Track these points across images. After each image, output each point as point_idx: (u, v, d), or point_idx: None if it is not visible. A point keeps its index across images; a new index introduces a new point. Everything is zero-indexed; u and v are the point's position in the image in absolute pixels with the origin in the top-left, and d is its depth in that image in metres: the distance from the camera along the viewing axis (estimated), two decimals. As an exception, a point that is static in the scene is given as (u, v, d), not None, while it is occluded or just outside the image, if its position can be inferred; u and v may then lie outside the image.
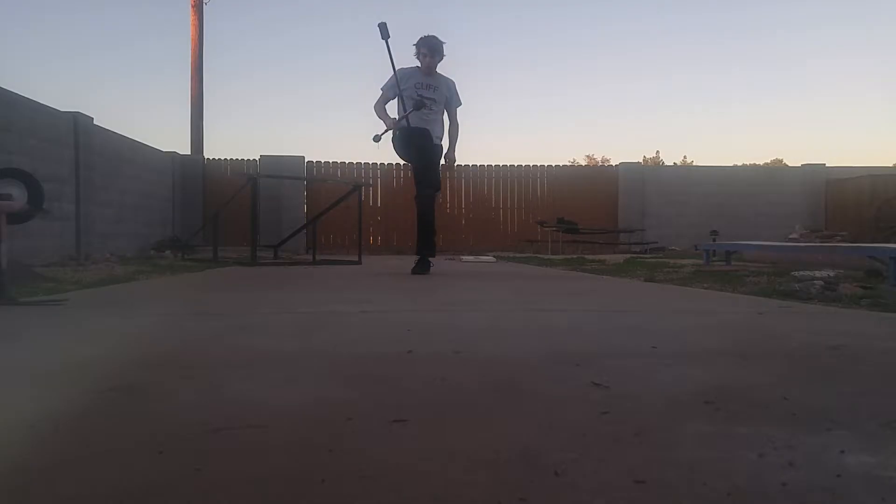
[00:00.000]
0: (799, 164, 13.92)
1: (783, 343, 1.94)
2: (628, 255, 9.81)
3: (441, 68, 5.40)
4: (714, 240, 10.16)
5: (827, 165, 13.38)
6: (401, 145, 5.34)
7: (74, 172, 8.14)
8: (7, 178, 3.65)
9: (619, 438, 0.98)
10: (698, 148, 65.19)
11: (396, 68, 5.27)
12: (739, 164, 21.07)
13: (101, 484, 0.81)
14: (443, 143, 5.52)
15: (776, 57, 58.20)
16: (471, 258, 9.22)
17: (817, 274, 4.38)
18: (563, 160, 32.29)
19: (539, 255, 10.28)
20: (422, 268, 5.37)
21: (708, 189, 13.10)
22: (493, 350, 1.80)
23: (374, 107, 5.41)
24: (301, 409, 1.17)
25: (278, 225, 11.41)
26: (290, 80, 61.75)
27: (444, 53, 5.31)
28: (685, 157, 41.09)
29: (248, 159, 12.73)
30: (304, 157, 12.82)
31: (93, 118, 8.64)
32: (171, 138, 63.04)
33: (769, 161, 30.34)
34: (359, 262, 7.33)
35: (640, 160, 21.81)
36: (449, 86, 5.41)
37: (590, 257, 9.19)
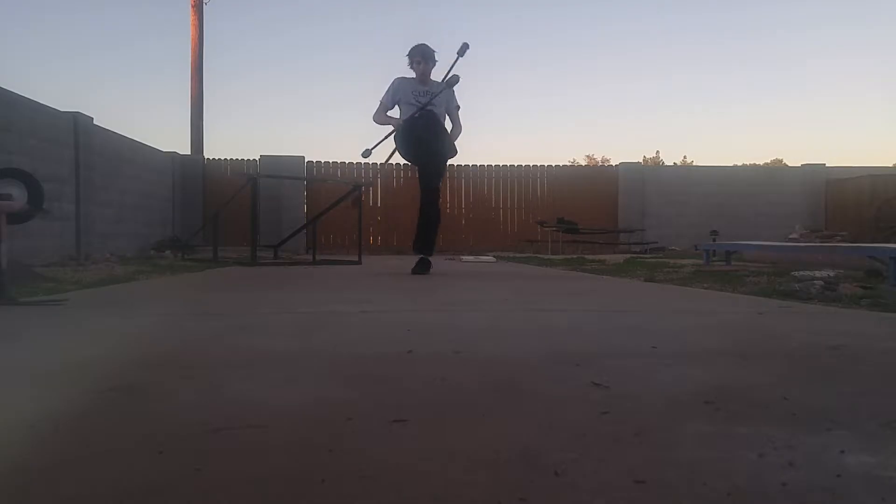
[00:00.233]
0: (799, 164, 13.93)
1: (783, 343, 1.94)
2: (628, 255, 9.81)
3: (439, 72, 5.42)
4: (714, 240, 10.16)
5: (827, 165, 13.39)
6: (402, 140, 5.35)
7: (74, 172, 8.15)
8: (7, 178, 3.65)
9: (619, 438, 0.98)
10: (698, 148, 65.24)
11: (393, 79, 5.38)
12: (739, 164, 21.08)
13: (101, 484, 0.81)
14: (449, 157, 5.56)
15: (776, 57, 58.24)
16: (471, 258, 9.22)
17: (817, 274, 4.38)
18: (563, 160, 32.30)
19: (539, 255, 10.28)
20: (422, 268, 5.38)
21: (708, 189, 13.11)
22: (493, 350, 1.80)
23: (374, 117, 5.46)
24: (301, 409, 1.17)
25: (278, 225, 11.42)
26: (290, 80, 61.78)
27: (437, 59, 5.36)
28: (685, 157, 41.14)
29: (248, 159, 12.73)
30: (304, 157, 12.82)
31: (93, 118, 8.65)
32: (171, 138, 63.15)
33: (769, 161, 30.35)
34: (359, 262, 7.33)
35: (640, 160, 21.82)
36: (446, 92, 5.41)
37: (590, 257, 9.19)
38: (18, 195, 3.49)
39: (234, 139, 54.49)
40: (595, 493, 0.78)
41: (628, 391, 1.30)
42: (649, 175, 13.62)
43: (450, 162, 5.93)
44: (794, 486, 0.80)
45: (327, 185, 11.64)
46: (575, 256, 9.49)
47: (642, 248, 11.54)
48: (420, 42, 5.36)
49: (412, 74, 5.41)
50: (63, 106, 8.66)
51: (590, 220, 12.36)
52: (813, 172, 13.30)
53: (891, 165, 16.96)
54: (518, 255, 10.68)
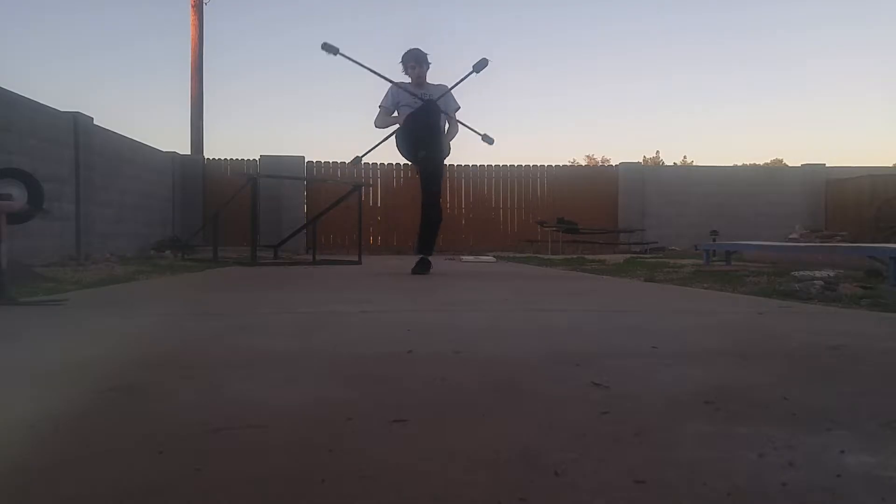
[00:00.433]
0: (799, 164, 13.93)
1: (783, 343, 1.94)
2: (628, 255, 9.81)
3: (439, 72, 5.43)
4: (714, 240, 10.16)
5: (827, 165, 13.39)
6: (402, 139, 5.36)
7: (74, 172, 8.15)
8: (7, 178, 3.65)
9: (619, 438, 0.98)
10: (698, 148, 65.21)
11: (390, 84, 5.38)
12: (739, 164, 21.08)
13: (101, 484, 0.81)
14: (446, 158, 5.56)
15: (776, 57, 58.21)
16: (471, 258, 9.22)
17: (817, 274, 4.38)
18: (563, 160, 32.27)
19: (539, 255, 10.28)
20: (422, 268, 5.38)
21: (708, 189, 13.11)
22: (493, 350, 1.80)
23: (376, 122, 5.47)
24: (301, 409, 1.17)
25: (278, 225, 11.42)
26: (290, 80, 61.76)
27: (430, 62, 5.38)
28: (685, 157, 41.12)
29: (248, 159, 12.73)
30: (304, 157, 12.82)
31: (93, 118, 8.65)
32: (171, 138, 63.07)
33: (769, 161, 30.34)
34: (359, 262, 7.33)
35: (640, 160, 21.81)
36: (441, 91, 5.41)
37: (590, 257, 9.19)
38: (18, 195, 3.49)
39: (234, 139, 54.50)
40: (595, 493, 0.78)
41: (628, 391, 1.30)
42: (649, 175, 13.62)
43: (449, 162, 5.94)
44: (794, 486, 0.80)
45: (327, 185, 11.64)
46: (575, 256, 9.49)
47: (642, 248, 11.54)
48: (412, 46, 5.38)
49: (408, 80, 5.42)
50: (63, 106, 8.67)
51: (590, 220, 12.36)
52: (813, 172, 13.30)
53: (891, 165, 16.97)
54: (518, 255, 10.68)
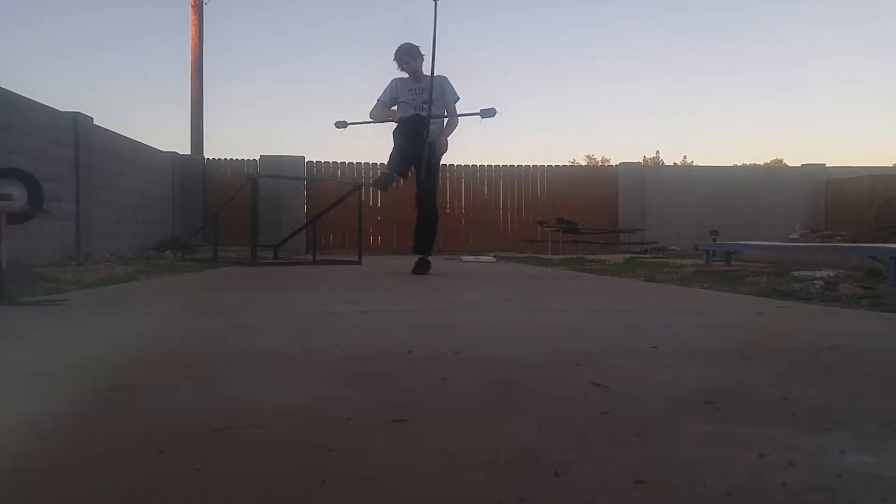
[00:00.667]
0: (799, 164, 13.93)
1: (783, 343, 1.94)
2: (628, 255, 9.81)
3: (440, 69, 5.42)
4: (714, 240, 10.16)
5: (827, 165, 13.39)
6: (400, 134, 5.36)
7: (74, 172, 8.15)
8: (7, 178, 3.65)
9: (619, 438, 0.98)
10: (698, 148, 65.16)
11: (390, 81, 5.43)
12: (739, 164, 21.08)
13: (101, 484, 0.81)
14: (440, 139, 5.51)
15: (776, 57, 58.17)
16: (471, 258, 9.22)
17: (817, 274, 4.38)
18: (563, 160, 32.25)
19: (539, 255, 10.28)
20: (422, 268, 5.38)
21: (708, 189, 13.11)
22: (493, 350, 1.80)
23: (371, 114, 5.48)
24: (301, 409, 1.17)
25: (278, 225, 11.41)
26: (290, 80, 61.68)
27: (423, 54, 5.36)
28: (685, 157, 41.10)
29: (248, 159, 12.74)
30: (304, 157, 12.83)
31: (93, 118, 8.65)
32: (171, 138, 62.99)
33: (769, 161, 30.32)
34: (359, 262, 7.33)
35: (640, 160, 21.80)
36: (441, 83, 5.41)
37: (590, 257, 9.19)
38: (18, 195, 3.49)
39: (234, 139, 54.45)
40: (595, 493, 0.78)
41: (628, 391, 1.30)
42: (649, 175, 13.63)
43: (449, 162, 5.93)
44: (794, 486, 0.80)
45: (327, 185, 11.64)
46: (575, 256, 9.49)
47: (642, 248, 11.54)
48: (402, 42, 5.39)
49: (405, 75, 5.43)
50: (63, 106, 8.66)
51: (590, 220, 12.36)
52: (813, 172, 13.29)
53: (891, 165, 16.96)
54: (518, 255, 10.68)
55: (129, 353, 1.75)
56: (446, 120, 5.47)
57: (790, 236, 10.07)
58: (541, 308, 2.90)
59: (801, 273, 4.50)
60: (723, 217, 12.59)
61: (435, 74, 5.38)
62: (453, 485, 0.81)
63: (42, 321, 2.34)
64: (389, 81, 5.47)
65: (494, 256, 9.84)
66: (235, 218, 9.68)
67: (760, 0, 56.81)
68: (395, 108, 5.43)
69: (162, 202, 11.47)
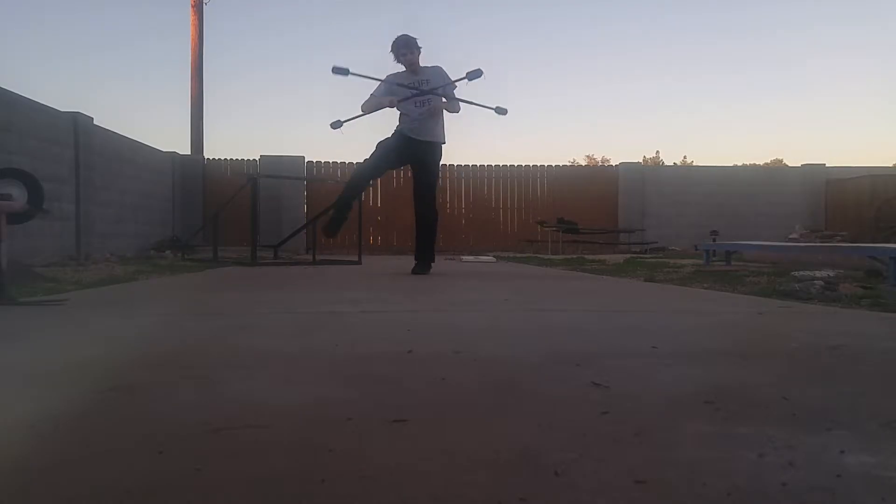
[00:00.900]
0: (799, 164, 13.93)
1: (783, 343, 1.94)
2: (628, 255, 9.81)
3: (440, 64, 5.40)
4: (714, 240, 10.16)
5: (827, 165, 13.39)
6: (394, 147, 5.34)
7: (74, 172, 8.14)
8: (7, 178, 3.64)
9: (619, 438, 0.98)
10: (698, 148, 65.13)
11: (384, 77, 5.36)
12: (739, 164, 21.07)
13: (101, 484, 0.81)
14: (444, 144, 5.49)
15: (776, 57, 58.15)
16: (471, 258, 9.22)
17: (817, 274, 4.38)
18: (563, 160, 32.22)
19: (539, 255, 10.28)
20: (422, 268, 5.38)
21: (708, 189, 13.11)
22: (493, 350, 1.80)
23: (363, 106, 5.38)
24: (301, 409, 1.17)
25: (278, 225, 11.42)
26: (290, 80, 61.67)
27: (420, 46, 5.32)
28: (685, 157, 41.06)
29: (248, 159, 12.74)
30: (304, 157, 12.83)
31: (93, 118, 8.65)
32: (171, 138, 62.93)
33: (769, 161, 30.30)
34: (359, 263, 7.33)
35: (640, 160, 21.80)
36: (439, 73, 5.35)
37: (590, 257, 9.19)
38: (18, 195, 3.49)
39: (234, 139, 54.41)
40: (595, 493, 0.78)
41: (628, 391, 1.30)
42: (649, 175, 13.63)
43: (449, 162, 5.91)
44: (794, 486, 0.80)
45: (327, 185, 11.63)
46: (575, 256, 9.49)
47: (642, 248, 11.54)
48: (399, 35, 5.30)
49: (401, 69, 5.36)
50: (63, 106, 8.66)
51: (590, 220, 12.36)
52: (813, 172, 13.29)
53: (891, 165, 16.96)
54: (518, 255, 10.68)
55: (129, 353, 1.75)
56: (447, 103, 5.38)
57: (790, 236, 10.07)
58: (541, 308, 2.90)
59: (801, 273, 4.50)
60: (723, 217, 12.59)
61: (431, 65, 5.34)
62: (453, 485, 0.81)
63: (42, 321, 2.34)
64: (385, 77, 5.38)
65: (494, 256, 9.84)
66: (235, 218, 9.68)
67: (760, 0, 56.84)
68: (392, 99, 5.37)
69: (162, 202, 11.47)
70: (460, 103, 5.41)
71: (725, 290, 3.83)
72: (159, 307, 2.98)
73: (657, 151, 42.61)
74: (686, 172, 14.91)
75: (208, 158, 12.94)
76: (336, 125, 5.51)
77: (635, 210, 13.07)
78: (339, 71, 5.26)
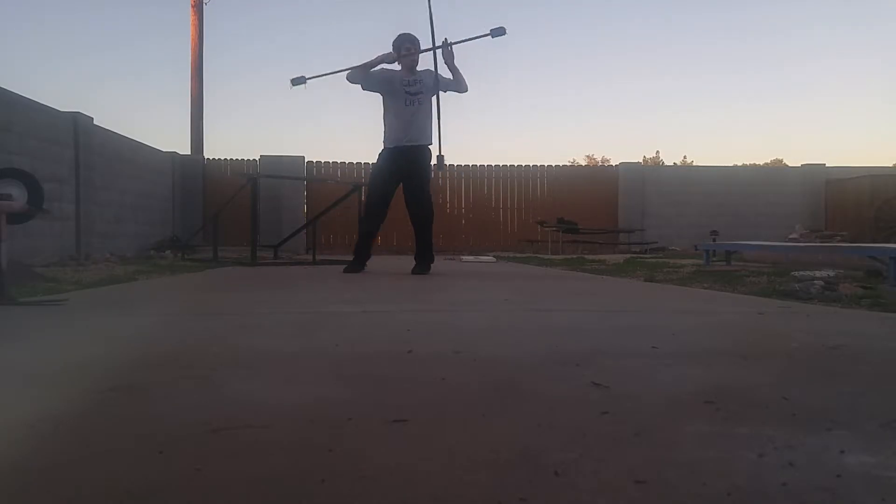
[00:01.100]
0: (799, 164, 13.91)
1: (783, 343, 1.94)
2: (628, 255, 9.81)
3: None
4: (714, 240, 10.16)
5: (827, 165, 13.37)
6: (388, 168, 5.32)
7: (74, 172, 8.14)
8: (7, 178, 3.64)
9: (619, 438, 0.98)
10: (698, 148, 65.14)
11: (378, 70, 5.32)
12: (739, 164, 21.09)
13: (101, 484, 0.81)
14: (432, 146, 5.44)
15: (776, 57, 58.14)
16: (471, 258, 9.22)
17: (817, 274, 4.38)
18: (563, 160, 32.26)
19: (539, 255, 10.28)
20: (422, 267, 5.38)
21: (708, 189, 13.10)
22: (493, 350, 1.80)
23: (348, 76, 5.23)
24: (301, 409, 1.17)
25: (278, 225, 11.41)
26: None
27: (421, 48, 5.31)
28: (685, 157, 41.04)
29: (248, 159, 12.73)
30: (304, 157, 12.82)
31: (93, 118, 8.64)
32: (171, 138, 62.95)
33: (769, 161, 30.32)
34: (359, 262, 7.31)
35: (640, 160, 21.79)
36: (433, 76, 5.32)
37: (590, 257, 9.18)
38: (18, 195, 3.49)
39: (234, 139, 54.48)
40: (595, 493, 0.78)
41: (628, 391, 1.30)
42: (649, 175, 13.62)
43: (449, 162, 5.88)
44: (794, 486, 0.80)
45: (327, 185, 11.62)
46: (575, 256, 9.49)
47: (642, 248, 11.54)
48: (402, 33, 5.29)
49: (397, 68, 5.34)
50: (63, 106, 8.65)
51: (590, 220, 12.35)
52: (813, 172, 13.29)
53: (891, 165, 16.94)
54: (518, 255, 10.68)
55: (129, 353, 1.75)
56: (454, 81, 5.30)
57: (790, 236, 10.06)
58: (541, 308, 2.90)
59: (801, 273, 4.50)
60: (723, 217, 12.59)
61: (423, 69, 5.33)
62: (453, 485, 0.81)
63: (42, 321, 2.34)
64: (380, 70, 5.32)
65: (494, 256, 9.84)
66: (235, 218, 9.67)
67: (760, 0, 56.84)
68: (382, 115, 5.34)
69: (162, 202, 11.46)
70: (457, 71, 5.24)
71: (725, 290, 3.83)
72: (159, 307, 2.98)
73: (657, 151, 42.62)
74: (686, 172, 14.91)
75: (208, 158, 12.93)
76: (298, 81, 5.35)
77: (635, 210, 13.06)
78: (297, 82, 5.25)
